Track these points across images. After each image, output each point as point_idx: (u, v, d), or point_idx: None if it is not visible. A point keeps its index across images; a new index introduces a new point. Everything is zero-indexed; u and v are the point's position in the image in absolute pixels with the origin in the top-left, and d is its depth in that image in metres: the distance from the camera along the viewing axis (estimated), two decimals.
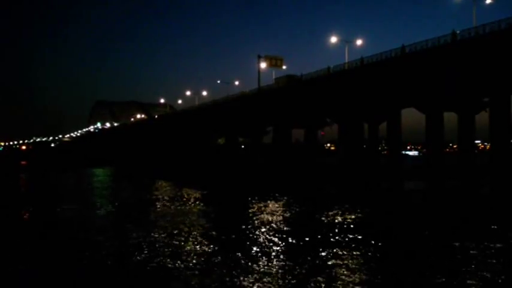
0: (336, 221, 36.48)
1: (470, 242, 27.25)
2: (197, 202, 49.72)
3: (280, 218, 38.32)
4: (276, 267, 22.92)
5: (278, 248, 27.04)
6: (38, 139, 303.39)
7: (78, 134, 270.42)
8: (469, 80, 48.01)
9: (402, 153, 64.12)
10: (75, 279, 21.74)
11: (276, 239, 29.59)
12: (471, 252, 25.44)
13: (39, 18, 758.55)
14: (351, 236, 30.13)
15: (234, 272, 21.93)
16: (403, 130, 59.76)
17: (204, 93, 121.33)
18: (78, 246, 28.17)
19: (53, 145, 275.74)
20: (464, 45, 47.42)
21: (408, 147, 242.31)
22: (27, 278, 22.00)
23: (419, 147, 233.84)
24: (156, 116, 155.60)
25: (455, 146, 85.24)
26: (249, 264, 23.40)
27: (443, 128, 53.32)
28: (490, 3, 51.32)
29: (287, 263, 23.69)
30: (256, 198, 50.90)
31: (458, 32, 48.50)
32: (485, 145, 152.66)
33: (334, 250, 26.30)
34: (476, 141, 72.06)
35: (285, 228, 33.57)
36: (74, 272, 22.79)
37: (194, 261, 24.22)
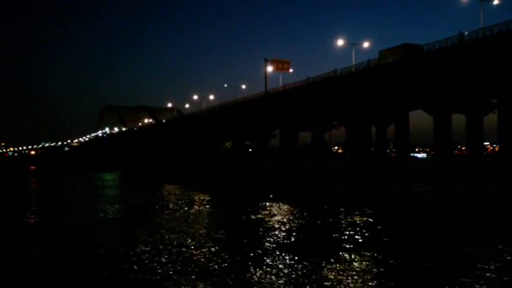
0: (342, 224, 36.44)
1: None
2: (205, 205, 49.86)
3: (287, 220, 38.33)
4: (282, 269, 22.96)
5: (284, 252, 27.04)
6: (47, 144, 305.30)
7: (87, 139, 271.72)
8: (476, 82, 47.78)
9: (410, 156, 63.72)
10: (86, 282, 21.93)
11: (282, 242, 29.61)
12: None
13: (45, 23, 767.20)
14: (358, 241, 30.09)
15: (240, 276, 22.00)
16: (411, 132, 59.56)
17: (211, 97, 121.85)
18: (88, 249, 28.41)
19: (66, 149, 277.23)
20: (472, 47, 47.21)
21: (416, 150, 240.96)
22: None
23: (427, 150, 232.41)
24: (164, 121, 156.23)
25: (463, 148, 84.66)
26: (257, 269, 23.45)
27: (451, 130, 53.07)
28: (497, 4, 51.12)
29: (293, 266, 23.70)
30: (263, 200, 50.90)
31: (465, 33, 48.34)
32: (494, 147, 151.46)
33: (342, 253, 26.30)
34: (485, 143, 71.54)
35: (292, 231, 33.57)
36: (85, 275, 22.97)
37: (200, 265, 24.33)
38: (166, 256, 26.07)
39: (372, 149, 64.65)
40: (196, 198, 57.14)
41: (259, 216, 41.25)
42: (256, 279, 21.45)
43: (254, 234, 32.77)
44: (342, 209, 43.42)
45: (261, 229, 34.64)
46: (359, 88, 61.02)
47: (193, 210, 45.87)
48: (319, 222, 38.00)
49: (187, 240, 30.48)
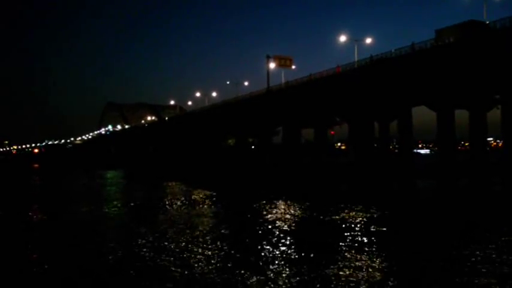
0: (346, 222, 36.40)
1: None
2: (208, 203, 49.87)
3: (290, 218, 38.31)
4: (284, 270, 22.96)
5: (287, 250, 27.05)
6: (50, 142, 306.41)
7: (90, 137, 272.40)
8: (480, 77, 47.54)
9: (414, 152, 63.39)
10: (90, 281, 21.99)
11: (286, 241, 29.61)
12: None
13: (48, 21, 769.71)
14: (360, 240, 30.05)
15: (242, 275, 22.01)
16: (414, 128, 59.27)
17: (214, 94, 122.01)
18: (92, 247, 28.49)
19: (70, 146, 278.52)
20: (475, 42, 46.98)
21: (420, 146, 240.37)
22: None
23: (430, 146, 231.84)
24: (167, 118, 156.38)
25: (467, 144, 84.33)
26: (259, 269, 23.46)
27: (454, 126, 52.89)
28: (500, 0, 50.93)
29: (296, 266, 23.70)
30: (266, 198, 50.86)
31: None
32: (497, 142, 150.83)
33: (345, 253, 26.26)
34: (489, 139, 71.27)
35: (295, 230, 33.56)
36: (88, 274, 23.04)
37: (204, 264, 24.35)
38: (167, 253, 26.11)
39: (375, 145, 64.44)
40: (200, 195, 57.19)
41: (263, 213, 41.24)
42: (256, 279, 21.45)
43: (257, 232, 32.78)
44: (346, 206, 43.30)
45: (264, 227, 34.65)
46: (361, 84, 60.83)
47: (196, 207, 45.89)
48: (322, 219, 37.97)
49: (189, 240, 30.50)
